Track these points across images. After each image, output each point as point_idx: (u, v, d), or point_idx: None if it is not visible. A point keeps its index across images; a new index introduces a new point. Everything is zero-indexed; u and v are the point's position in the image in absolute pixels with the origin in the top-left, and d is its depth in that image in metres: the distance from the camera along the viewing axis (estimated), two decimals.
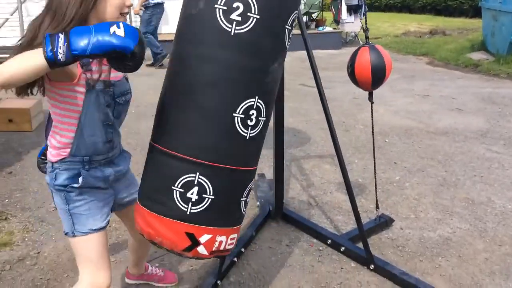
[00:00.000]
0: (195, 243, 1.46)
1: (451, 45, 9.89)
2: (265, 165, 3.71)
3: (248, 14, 1.36)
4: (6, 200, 3.08)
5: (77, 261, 1.56)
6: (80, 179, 1.45)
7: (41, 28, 1.29)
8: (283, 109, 2.56)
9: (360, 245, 2.39)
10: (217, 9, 1.35)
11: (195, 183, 1.42)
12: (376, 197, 2.63)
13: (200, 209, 1.44)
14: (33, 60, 1.11)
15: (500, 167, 3.72)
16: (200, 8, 1.38)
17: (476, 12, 14.21)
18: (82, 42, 1.11)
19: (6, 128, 4.40)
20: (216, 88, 1.41)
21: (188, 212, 1.44)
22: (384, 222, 2.76)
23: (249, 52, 1.41)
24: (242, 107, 1.43)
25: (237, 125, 1.43)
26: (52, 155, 1.46)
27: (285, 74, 2.40)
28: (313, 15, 11.31)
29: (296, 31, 1.84)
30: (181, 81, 1.44)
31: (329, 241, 2.56)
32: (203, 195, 1.43)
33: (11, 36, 7.41)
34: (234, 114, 1.42)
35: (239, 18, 1.35)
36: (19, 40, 1.33)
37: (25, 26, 6.79)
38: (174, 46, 1.50)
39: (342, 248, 2.49)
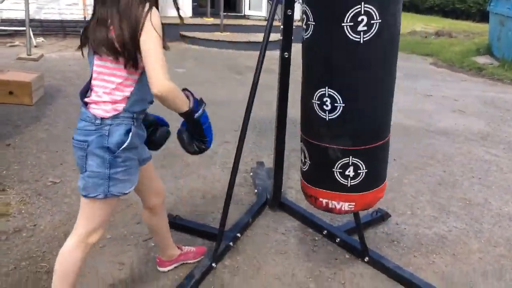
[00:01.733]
0: None
1: (457, 47, 9.87)
2: (264, 154, 3.71)
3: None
4: (4, 172, 3.07)
5: (83, 217, 1.65)
6: (130, 134, 1.56)
7: None
8: (287, 99, 2.55)
9: (355, 237, 2.40)
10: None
11: None
12: None
13: None
14: (182, 104, 1.56)
15: (499, 170, 3.73)
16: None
17: (482, 17, 14.19)
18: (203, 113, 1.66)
19: (6, 100, 4.36)
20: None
21: None
22: (380, 217, 2.77)
23: None
24: None
25: None
26: (105, 110, 1.54)
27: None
28: None
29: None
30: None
31: (324, 232, 2.57)
32: None
33: (15, 9, 7.35)
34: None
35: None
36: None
37: None
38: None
39: (338, 239, 2.50)
